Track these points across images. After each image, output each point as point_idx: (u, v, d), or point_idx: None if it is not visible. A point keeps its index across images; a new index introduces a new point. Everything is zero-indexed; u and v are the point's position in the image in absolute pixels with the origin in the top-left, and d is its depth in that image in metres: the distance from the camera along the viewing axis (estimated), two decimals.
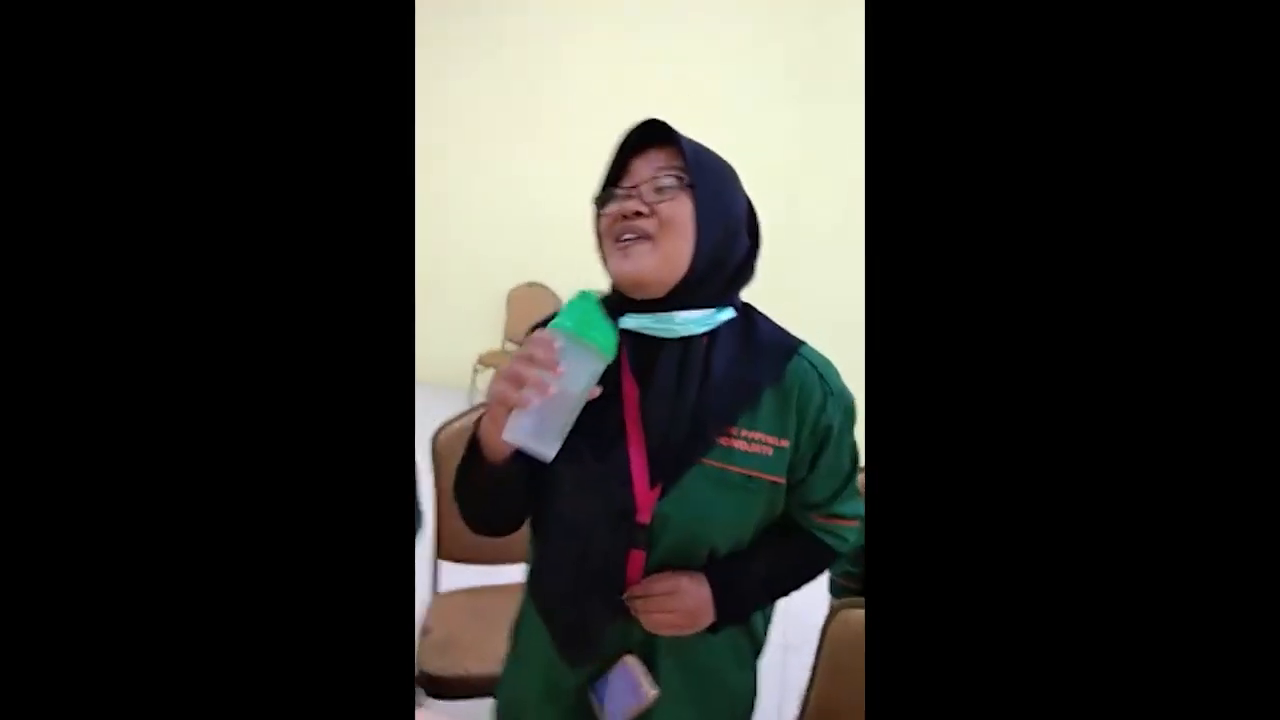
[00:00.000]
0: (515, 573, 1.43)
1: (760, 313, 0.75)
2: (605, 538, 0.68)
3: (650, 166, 0.67)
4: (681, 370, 0.68)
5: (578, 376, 0.59)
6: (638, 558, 0.69)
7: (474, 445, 0.66)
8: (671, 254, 0.65)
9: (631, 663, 0.72)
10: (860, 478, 0.75)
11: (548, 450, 0.59)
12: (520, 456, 0.62)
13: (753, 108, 3.33)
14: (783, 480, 0.70)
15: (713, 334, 0.70)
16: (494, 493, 0.69)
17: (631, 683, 0.72)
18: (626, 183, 0.68)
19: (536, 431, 0.58)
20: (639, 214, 0.65)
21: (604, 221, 0.69)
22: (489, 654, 1.25)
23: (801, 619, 1.33)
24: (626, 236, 0.66)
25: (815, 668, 0.99)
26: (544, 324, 0.71)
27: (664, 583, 0.69)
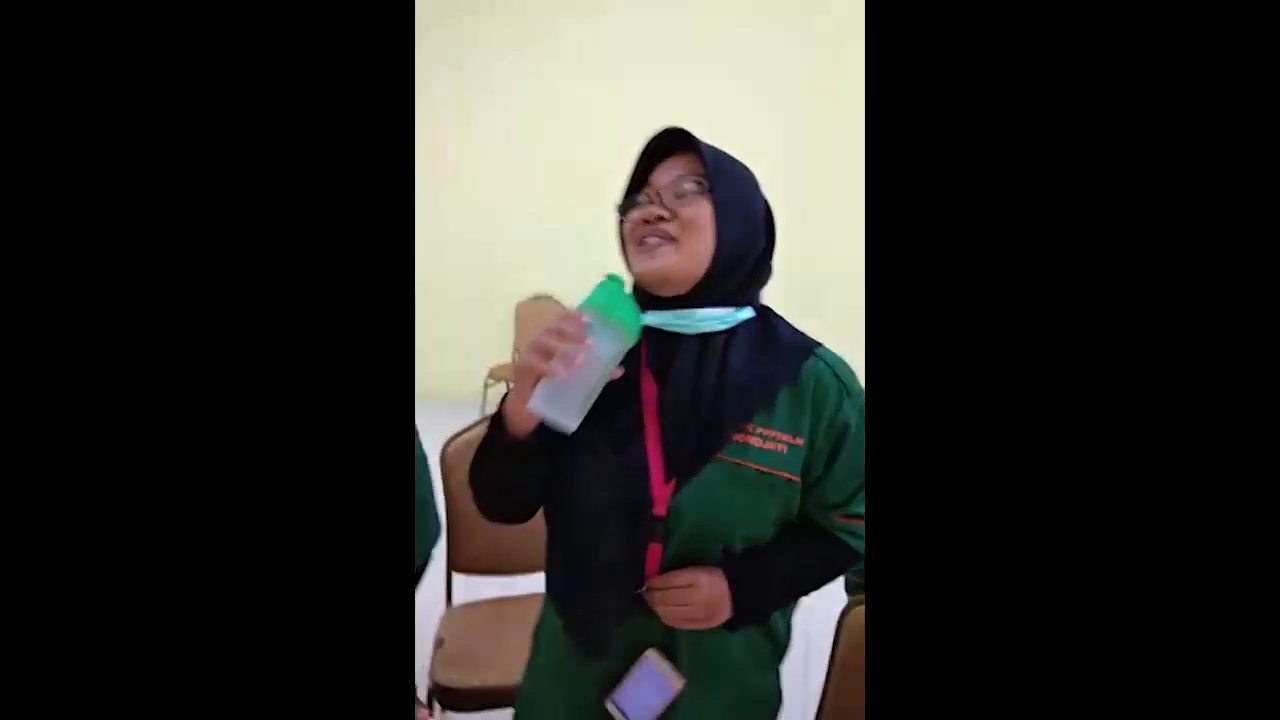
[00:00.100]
0: (528, 584, 1.44)
1: (778, 315, 0.76)
2: (621, 530, 0.69)
3: (671, 173, 0.70)
4: (699, 367, 0.70)
5: (603, 352, 0.62)
6: (654, 551, 0.70)
7: (497, 421, 0.68)
8: (693, 252, 0.68)
9: (653, 656, 0.72)
10: None
11: (570, 422, 0.61)
12: (541, 434, 0.65)
13: (764, 120, 3.34)
14: (797, 478, 0.71)
15: (730, 333, 0.72)
16: (513, 471, 0.70)
17: (655, 679, 0.72)
18: (648, 189, 0.71)
19: (561, 403, 0.61)
20: (661, 218, 0.68)
21: (627, 227, 0.72)
22: (503, 665, 1.25)
23: (829, 625, 1.32)
24: (650, 239, 0.69)
25: (830, 666, 0.99)
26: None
27: (682, 576, 0.70)
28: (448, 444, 1.44)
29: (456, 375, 3.80)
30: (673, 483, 0.69)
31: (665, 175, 0.70)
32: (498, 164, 3.89)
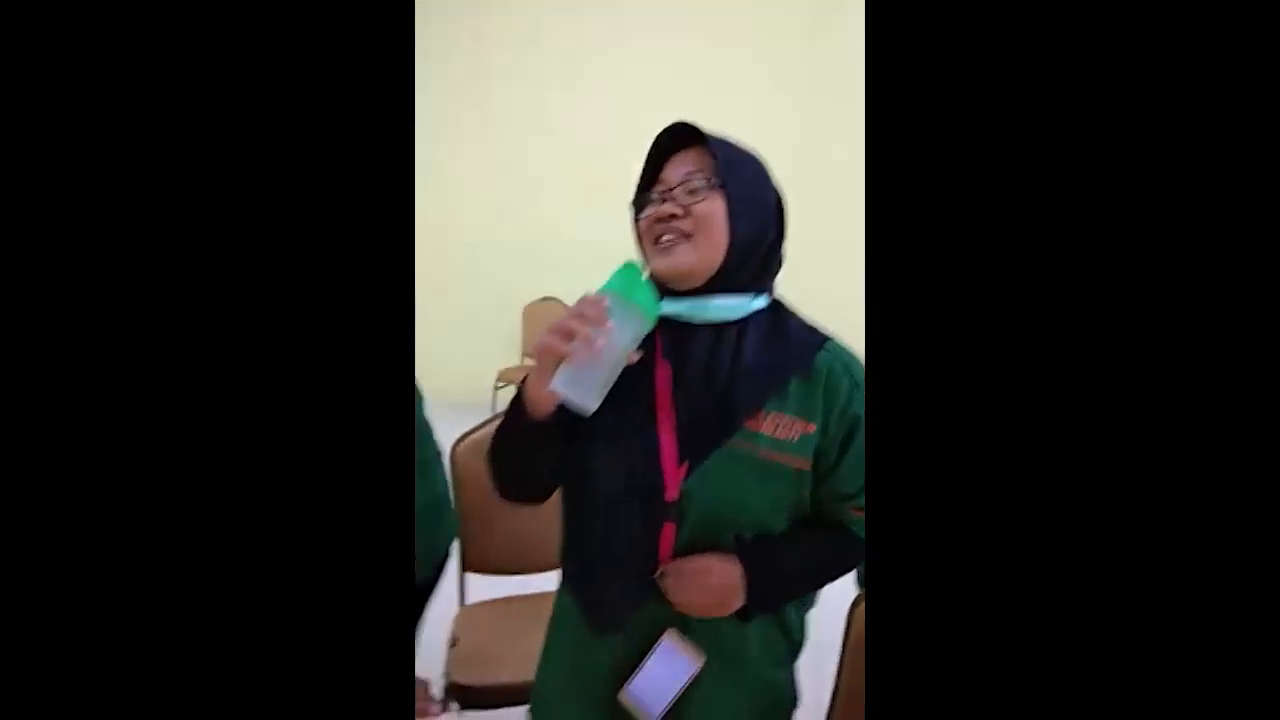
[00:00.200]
0: (540, 583, 1.45)
1: (790, 308, 0.78)
2: (634, 513, 0.71)
3: (682, 169, 0.71)
4: (713, 355, 0.71)
5: (622, 335, 0.63)
6: (668, 536, 0.71)
7: (517, 402, 0.69)
8: (709, 248, 0.69)
9: (673, 635, 0.73)
10: None
11: (590, 403, 0.62)
12: (560, 415, 0.66)
13: (767, 120, 3.34)
14: (808, 465, 0.71)
15: (744, 323, 0.73)
16: (531, 451, 0.71)
17: (673, 660, 0.72)
18: (660, 186, 0.72)
19: (580, 384, 0.62)
20: (674, 216, 0.69)
21: (642, 225, 0.73)
22: (518, 663, 1.26)
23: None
24: (665, 238, 0.70)
25: (842, 658, 1.00)
26: None
27: (695, 562, 0.71)
28: (457, 444, 1.46)
29: (466, 378, 3.82)
30: (685, 466, 0.70)
31: (676, 171, 0.71)
32: (504, 166, 3.90)
